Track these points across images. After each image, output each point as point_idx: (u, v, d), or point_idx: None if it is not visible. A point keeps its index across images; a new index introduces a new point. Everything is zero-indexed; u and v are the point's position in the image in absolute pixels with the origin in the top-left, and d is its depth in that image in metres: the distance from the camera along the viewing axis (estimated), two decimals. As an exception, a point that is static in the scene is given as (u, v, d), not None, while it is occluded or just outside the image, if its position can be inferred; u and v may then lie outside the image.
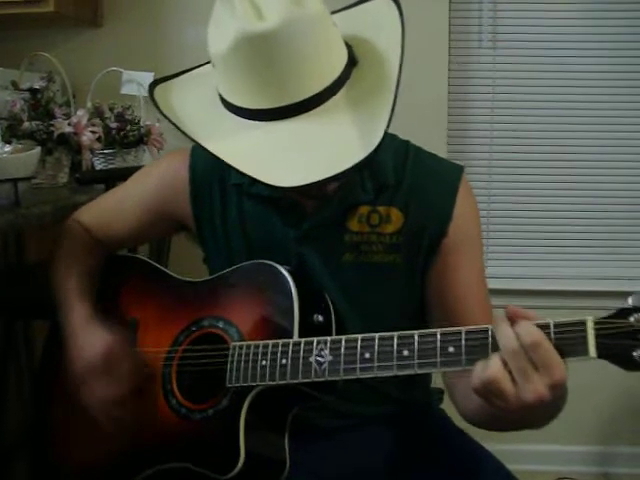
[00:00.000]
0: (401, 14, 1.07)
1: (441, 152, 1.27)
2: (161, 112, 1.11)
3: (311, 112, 1.01)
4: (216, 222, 1.25)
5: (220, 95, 1.08)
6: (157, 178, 1.31)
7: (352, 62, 1.07)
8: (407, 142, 1.22)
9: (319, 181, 0.95)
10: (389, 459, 1.21)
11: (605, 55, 2.52)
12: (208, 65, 1.17)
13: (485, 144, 2.60)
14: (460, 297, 1.16)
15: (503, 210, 2.62)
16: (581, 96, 2.54)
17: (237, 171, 1.00)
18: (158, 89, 1.16)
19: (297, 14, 0.98)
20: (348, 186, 1.15)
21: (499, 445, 1.45)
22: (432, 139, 2.41)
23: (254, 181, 1.15)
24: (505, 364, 0.84)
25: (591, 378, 2.52)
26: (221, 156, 1.01)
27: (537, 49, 2.53)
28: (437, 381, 1.34)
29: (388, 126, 0.98)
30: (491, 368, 0.84)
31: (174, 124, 1.08)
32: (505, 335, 0.84)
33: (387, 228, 1.17)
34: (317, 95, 1.01)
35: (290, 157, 0.99)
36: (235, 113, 1.05)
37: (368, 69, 1.06)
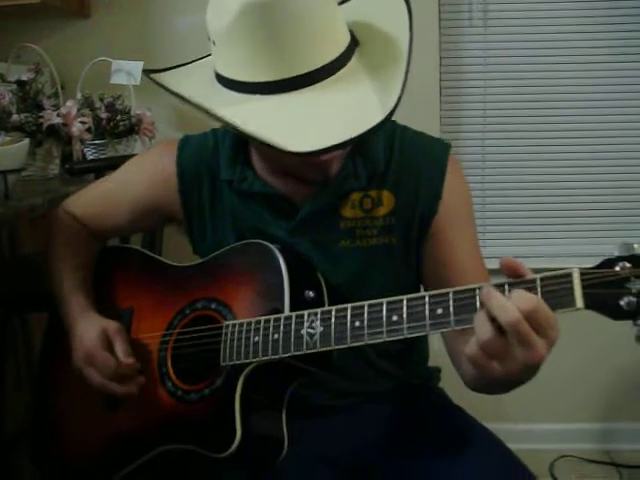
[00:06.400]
0: None
1: (434, 132, 1.27)
2: (164, 87, 1.10)
3: (321, 83, 1.01)
4: (205, 216, 1.25)
5: (220, 75, 1.07)
6: (146, 174, 1.31)
7: (355, 41, 1.08)
8: (393, 122, 1.22)
9: (341, 143, 0.95)
10: (387, 437, 1.21)
11: (598, 30, 2.49)
12: (200, 60, 1.18)
13: (478, 123, 2.58)
14: (457, 273, 1.17)
15: (498, 190, 2.60)
16: (575, 72, 2.52)
17: (259, 142, 0.98)
18: (153, 76, 1.15)
19: None
20: (342, 174, 1.15)
21: (500, 424, 1.46)
22: (424, 119, 2.42)
23: (244, 178, 1.19)
24: (500, 330, 0.83)
25: (591, 355, 2.54)
26: (241, 125, 0.99)
27: (528, 26, 2.50)
28: (438, 362, 1.34)
29: (403, 88, 0.99)
30: (485, 333, 0.84)
31: (180, 96, 1.06)
32: (504, 307, 0.83)
33: (380, 211, 1.18)
34: (327, 65, 1.01)
35: (308, 124, 0.99)
36: (238, 90, 1.04)
37: (372, 45, 1.08)
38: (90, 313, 1.23)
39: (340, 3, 1.15)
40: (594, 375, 2.59)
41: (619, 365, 2.58)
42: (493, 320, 0.84)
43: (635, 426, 2.60)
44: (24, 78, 1.99)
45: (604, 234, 2.60)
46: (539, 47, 2.51)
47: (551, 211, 2.60)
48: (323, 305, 1.06)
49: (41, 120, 1.93)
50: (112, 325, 1.19)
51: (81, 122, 2.01)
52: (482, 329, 0.85)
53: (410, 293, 0.97)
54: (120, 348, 1.16)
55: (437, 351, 1.28)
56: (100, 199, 1.36)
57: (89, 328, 1.19)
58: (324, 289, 1.09)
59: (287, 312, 1.03)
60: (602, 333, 2.14)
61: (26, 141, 1.69)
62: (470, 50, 2.54)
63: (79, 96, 2.18)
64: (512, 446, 1.16)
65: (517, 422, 2.52)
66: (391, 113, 0.97)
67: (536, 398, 2.31)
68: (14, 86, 1.98)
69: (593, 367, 2.57)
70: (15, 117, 1.91)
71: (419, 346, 1.32)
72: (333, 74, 1.02)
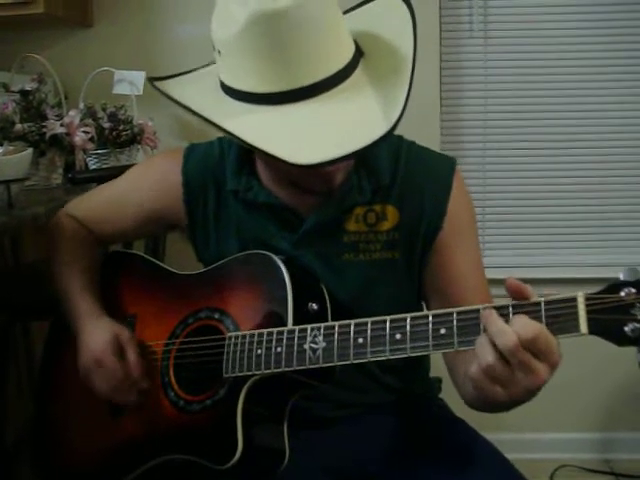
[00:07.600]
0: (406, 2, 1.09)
1: (434, 143, 1.28)
2: (168, 96, 1.09)
3: (326, 94, 1.01)
4: (209, 226, 1.26)
5: (225, 84, 1.06)
6: (149, 182, 1.31)
7: (359, 52, 1.08)
8: (400, 137, 1.22)
9: (344, 156, 0.95)
10: (389, 448, 1.21)
11: (599, 42, 2.51)
12: (204, 68, 1.18)
13: (479, 133, 2.58)
14: (459, 289, 1.17)
15: (498, 199, 2.61)
16: (574, 83, 2.53)
17: (264, 153, 0.97)
18: (157, 84, 1.14)
19: None
20: (346, 186, 1.15)
21: (499, 434, 1.46)
22: (425, 129, 2.42)
23: (250, 188, 1.19)
24: (501, 355, 0.84)
25: (591, 365, 2.53)
26: (245, 137, 0.99)
27: (529, 37, 2.52)
28: (439, 373, 1.34)
29: (407, 101, 0.99)
30: (488, 357, 0.84)
31: (185, 107, 1.06)
32: (502, 333, 0.83)
33: (384, 226, 1.18)
34: (332, 77, 1.01)
35: (312, 136, 0.99)
36: (242, 99, 1.03)
37: (377, 56, 1.08)
38: (99, 317, 1.22)
39: (345, 12, 1.14)
40: (594, 385, 2.59)
41: (619, 375, 2.58)
42: (495, 344, 0.84)
43: (635, 436, 2.60)
44: (27, 88, 1.99)
45: (605, 244, 2.60)
46: (539, 57, 2.52)
47: (552, 221, 2.61)
48: (327, 318, 1.06)
49: (44, 130, 1.93)
50: (125, 333, 1.19)
51: (84, 132, 2.01)
52: (484, 353, 0.85)
53: (413, 307, 0.98)
54: (132, 358, 1.16)
55: (437, 361, 1.29)
56: (103, 204, 1.36)
57: (99, 332, 1.18)
58: (328, 302, 1.09)
59: (290, 324, 1.03)
60: (602, 343, 2.14)
61: (29, 151, 1.69)
62: (470, 60, 2.55)
63: (82, 106, 2.18)
64: (512, 456, 1.16)
65: (517, 432, 2.52)
66: (394, 126, 0.97)
67: (536, 408, 2.29)
68: (17, 96, 1.98)
69: (593, 377, 2.57)
70: (18, 127, 1.91)
71: (422, 360, 1.32)
72: (338, 85, 1.02)
